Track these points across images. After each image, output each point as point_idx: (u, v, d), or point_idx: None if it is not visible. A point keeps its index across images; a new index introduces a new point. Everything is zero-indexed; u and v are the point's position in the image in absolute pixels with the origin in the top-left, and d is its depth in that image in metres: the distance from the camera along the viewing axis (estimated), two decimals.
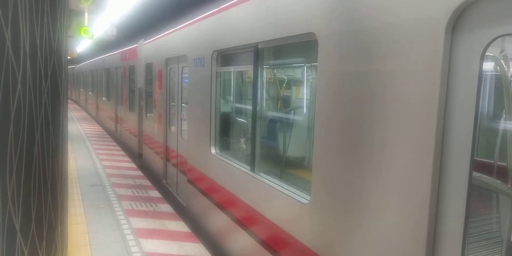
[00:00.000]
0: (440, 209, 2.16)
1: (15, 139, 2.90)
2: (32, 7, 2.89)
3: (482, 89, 2.07)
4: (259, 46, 4.21)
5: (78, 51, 25.45)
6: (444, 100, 2.11)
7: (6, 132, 2.88)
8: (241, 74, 5.72)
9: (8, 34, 2.85)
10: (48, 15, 2.99)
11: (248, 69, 4.62)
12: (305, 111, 5.04)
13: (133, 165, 10.05)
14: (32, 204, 2.97)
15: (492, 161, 2.74)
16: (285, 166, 4.76)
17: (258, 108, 4.38)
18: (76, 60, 29.67)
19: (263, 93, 4.44)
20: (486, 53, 1.98)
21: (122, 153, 11.61)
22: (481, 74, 1.97)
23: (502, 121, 2.72)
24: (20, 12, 2.85)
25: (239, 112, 5.80)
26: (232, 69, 5.21)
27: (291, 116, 5.10)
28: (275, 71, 5.07)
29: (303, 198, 3.41)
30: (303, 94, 5.14)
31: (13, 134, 2.89)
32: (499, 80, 2.77)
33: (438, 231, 2.17)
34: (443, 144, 2.14)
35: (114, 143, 13.27)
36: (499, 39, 1.97)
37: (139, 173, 9.20)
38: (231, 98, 5.97)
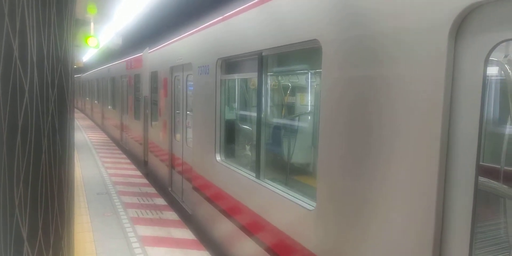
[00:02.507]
0: (447, 214, 2.15)
1: (23, 148, 2.93)
2: (39, 17, 2.93)
3: (486, 94, 2.08)
4: (263, 54, 4.23)
5: (84, 60, 25.68)
6: (448, 104, 2.11)
7: (13, 141, 2.91)
8: (245, 81, 5.74)
9: (16, 44, 2.89)
10: (55, 25, 3.03)
11: (252, 76, 4.64)
12: (309, 118, 5.05)
13: (138, 173, 10.08)
14: (39, 213, 2.98)
15: (498, 166, 2.73)
16: (290, 172, 4.76)
17: (262, 115, 4.39)
18: (82, 69, 29.91)
19: (267, 100, 4.46)
20: (490, 58, 1.99)
21: (128, 161, 11.65)
22: (485, 78, 1.98)
23: (507, 125, 2.71)
24: (28, 22, 2.90)
25: (244, 119, 5.81)
26: (236, 76, 5.24)
27: (295, 123, 5.11)
28: (279, 78, 5.09)
29: (309, 204, 3.41)
30: (308, 101, 5.15)
31: (20, 142, 2.92)
32: (504, 84, 2.77)
33: (445, 237, 2.16)
34: (448, 149, 2.13)
35: (120, 151, 13.32)
36: (503, 44, 1.98)
37: (145, 181, 9.22)
38: (236, 105, 5.99)
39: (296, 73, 5.14)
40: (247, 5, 4.53)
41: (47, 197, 3.02)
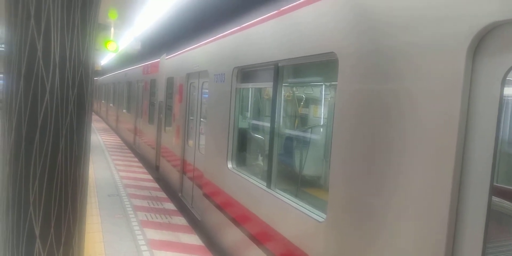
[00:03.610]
0: (459, 232, 2.14)
1: (40, 146, 2.99)
2: (64, 20, 3.02)
3: (503, 114, 2.07)
4: (280, 64, 4.28)
5: (102, 64, 26.06)
6: (464, 123, 2.11)
7: (32, 139, 2.98)
8: (259, 91, 5.79)
9: (40, 45, 2.98)
10: (78, 28, 3.11)
11: (267, 86, 4.68)
12: (322, 130, 5.06)
13: (149, 176, 10.15)
14: (52, 210, 3.04)
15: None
16: (301, 183, 4.76)
17: (276, 125, 4.42)
18: (100, 72, 30.35)
19: (281, 111, 4.49)
20: (508, 78, 1.99)
21: (140, 164, 11.74)
22: (502, 98, 1.98)
23: None
24: (53, 24, 2.98)
25: (257, 128, 5.84)
26: (251, 85, 5.29)
27: (308, 134, 5.13)
28: (294, 89, 5.13)
29: (319, 216, 3.41)
30: (321, 113, 5.17)
31: (38, 141, 2.99)
32: None
33: (456, 253, 2.15)
34: (463, 168, 2.13)
35: (132, 155, 13.43)
36: None
37: (155, 185, 9.27)
38: (249, 114, 6.04)
39: (311, 85, 5.17)
40: (265, 16, 4.60)
41: (61, 196, 3.08)
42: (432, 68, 2.27)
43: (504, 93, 2.00)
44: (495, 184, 2.05)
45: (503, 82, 1.96)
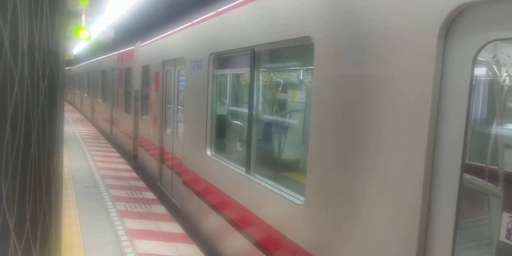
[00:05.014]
0: (432, 210, 2.20)
1: (12, 139, 2.91)
2: (31, 7, 2.91)
3: (474, 93, 2.11)
4: (256, 49, 4.24)
5: (74, 53, 25.41)
6: (436, 103, 2.15)
7: (3, 132, 2.89)
8: (237, 77, 5.75)
9: (7, 34, 2.87)
10: (47, 16, 3.00)
11: (244, 72, 4.65)
12: (299, 115, 5.08)
13: (127, 166, 10.05)
14: (27, 204, 2.97)
15: (484, 165, 2.79)
16: (279, 168, 4.79)
17: (254, 111, 4.41)
18: (72, 61, 29.62)
19: (259, 96, 4.48)
20: (478, 58, 2.02)
21: (117, 154, 11.60)
22: (472, 78, 2.01)
23: (493, 125, 2.77)
24: (19, 13, 2.87)
25: (235, 114, 5.82)
26: (228, 72, 5.25)
27: (286, 119, 5.14)
28: (271, 74, 5.11)
29: (298, 199, 3.44)
30: (299, 98, 5.18)
31: (9, 134, 2.90)
32: (491, 84, 2.82)
33: (429, 232, 2.21)
34: (435, 147, 2.18)
35: (109, 145, 13.25)
36: (492, 44, 2.02)
37: (134, 174, 9.19)
38: (227, 100, 6.00)
39: (288, 70, 5.16)
40: (240, 0, 4.54)
41: (35, 189, 3.01)
42: (406, 50, 2.29)
43: (475, 73, 2.04)
44: (466, 161, 2.10)
45: (474, 62, 2.00)
